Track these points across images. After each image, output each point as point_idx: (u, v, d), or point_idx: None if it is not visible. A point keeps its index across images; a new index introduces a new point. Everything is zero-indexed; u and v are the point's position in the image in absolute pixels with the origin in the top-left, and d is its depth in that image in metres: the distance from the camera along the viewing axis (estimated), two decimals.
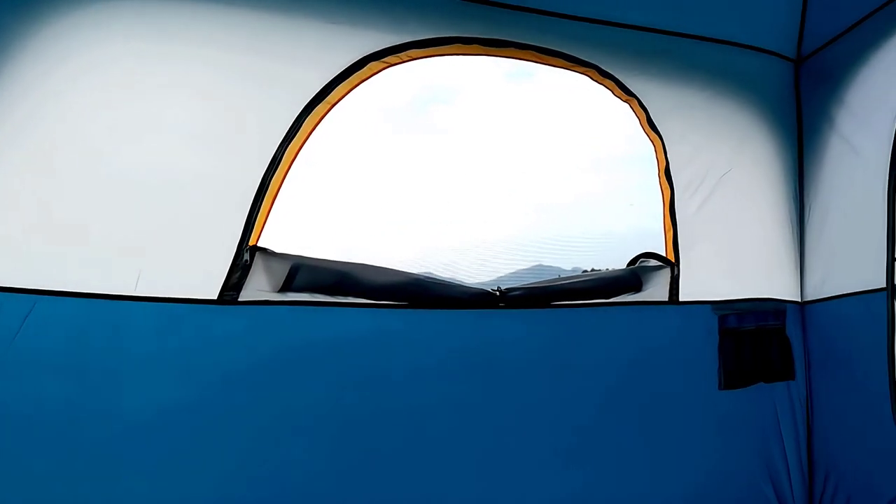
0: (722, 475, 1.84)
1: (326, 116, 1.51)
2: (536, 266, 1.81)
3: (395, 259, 1.58)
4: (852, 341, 1.87)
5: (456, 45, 1.62)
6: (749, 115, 1.97)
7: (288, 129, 1.45)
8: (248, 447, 1.40)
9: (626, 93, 1.78)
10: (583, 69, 1.75)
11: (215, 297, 1.36)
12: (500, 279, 1.74)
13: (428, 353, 1.57)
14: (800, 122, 2.08)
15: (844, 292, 1.90)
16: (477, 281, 1.69)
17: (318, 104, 1.49)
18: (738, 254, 1.96)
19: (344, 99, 1.52)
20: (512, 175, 1.73)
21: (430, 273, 1.64)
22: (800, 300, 2.06)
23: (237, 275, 1.40)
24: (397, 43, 1.56)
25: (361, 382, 1.50)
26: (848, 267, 1.88)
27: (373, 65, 1.55)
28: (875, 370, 1.74)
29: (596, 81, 1.77)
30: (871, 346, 1.76)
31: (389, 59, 1.57)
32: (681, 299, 1.84)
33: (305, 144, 1.48)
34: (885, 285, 1.71)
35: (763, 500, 1.87)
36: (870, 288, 1.77)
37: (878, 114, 1.76)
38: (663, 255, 1.84)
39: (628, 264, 1.85)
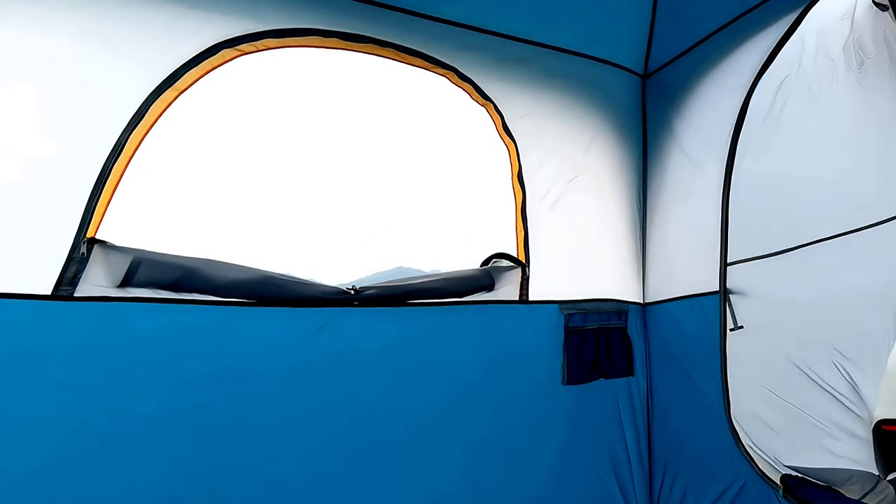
0: (567, 467, 2.44)
1: (175, 103, 1.78)
2: (397, 268, 2.22)
3: (247, 256, 1.85)
4: (688, 340, 2.57)
5: (314, 38, 1.98)
6: (599, 124, 2.63)
7: (133, 114, 1.70)
8: (79, 452, 1.61)
9: (483, 97, 2.30)
10: (442, 71, 2.23)
11: (49, 293, 1.57)
12: (359, 280, 2.11)
13: (278, 352, 1.90)
14: (645, 134, 2.79)
15: (682, 294, 2.60)
16: (336, 282, 2.04)
17: (166, 90, 1.76)
18: (585, 256, 2.59)
19: (195, 86, 1.80)
20: (373, 176, 2.15)
21: (285, 272, 1.95)
22: (642, 301, 2.77)
23: (73, 268, 1.62)
24: (252, 31, 1.89)
25: (206, 383, 1.78)
26: (685, 271, 2.58)
27: (226, 52, 1.86)
28: (709, 367, 2.43)
29: (454, 84, 2.26)
30: (705, 345, 2.45)
31: (244, 47, 1.88)
32: (530, 299, 2.40)
33: (152, 131, 1.73)
34: (718, 288, 2.42)
35: (605, 491, 2.51)
36: (705, 291, 2.48)
37: (713, 128, 2.45)
38: (515, 255, 2.38)
39: (481, 264, 2.35)
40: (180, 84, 1.78)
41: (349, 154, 2.03)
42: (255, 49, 1.90)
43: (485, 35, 2.31)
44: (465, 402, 2.23)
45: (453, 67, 2.24)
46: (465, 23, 2.25)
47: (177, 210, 1.80)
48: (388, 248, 2.14)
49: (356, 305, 2.03)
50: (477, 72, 2.29)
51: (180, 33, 1.78)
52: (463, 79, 2.27)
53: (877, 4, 2.39)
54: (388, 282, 2.14)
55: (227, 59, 1.86)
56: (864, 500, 2.23)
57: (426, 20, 2.18)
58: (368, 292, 2.06)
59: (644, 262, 2.81)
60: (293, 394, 1.92)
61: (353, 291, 2.03)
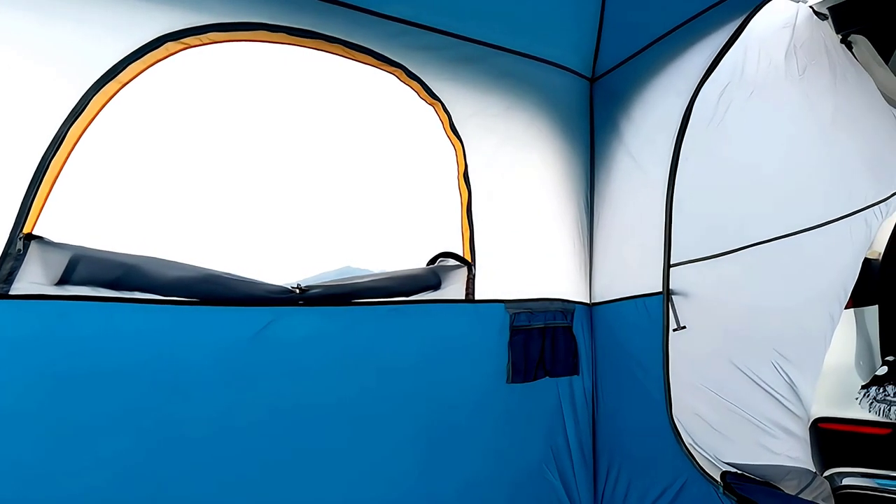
0: (511, 465, 2.64)
1: (118, 96, 1.88)
2: (344, 268, 2.34)
3: (190, 254, 1.96)
4: (633, 340, 2.81)
5: (261, 32, 2.12)
6: (547, 126, 2.84)
7: (73, 106, 1.80)
8: (14, 458, 1.69)
9: (431, 96, 2.48)
10: (390, 68, 2.39)
11: None
12: (305, 280, 2.22)
13: (221, 351, 2.02)
14: (593, 136, 3.03)
15: (627, 295, 2.84)
16: (281, 281, 2.15)
17: (108, 82, 1.87)
18: (531, 256, 2.79)
19: (138, 79, 1.92)
20: (319, 174, 2.29)
21: (229, 270, 2.06)
22: (589, 301, 3.01)
23: (9, 265, 1.70)
24: (198, 24, 2.00)
25: (148, 384, 1.88)
26: (631, 271, 2.83)
27: (170, 45, 1.97)
28: (652, 367, 2.67)
29: (402, 82, 2.43)
30: (648, 345, 2.69)
31: (189, 40, 2.01)
32: (476, 298, 2.59)
33: (93, 124, 1.83)
34: (661, 289, 2.66)
35: (549, 488, 2.74)
36: (649, 291, 2.71)
37: (658, 132, 2.68)
38: (461, 255, 2.56)
39: (428, 263, 2.52)
40: (123, 77, 1.88)
41: (295, 151, 2.14)
42: (201, 42, 2.01)
43: (434, 34, 2.47)
44: (412, 402, 2.40)
45: (402, 65, 2.39)
46: (413, 21, 2.41)
47: (118, 206, 1.88)
48: (335, 247, 2.26)
49: (301, 305, 2.16)
50: (425, 70, 2.45)
51: (124, 25, 1.88)
52: (411, 77, 2.42)
53: (817, 13, 2.69)
54: (333, 281, 2.28)
55: (171, 52, 1.96)
56: (801, 496, 2.50)
57: (375, 17, 2.33)
58: (314, 292, 2.18)
59: (591, 263, 3.05)
60: (237, 394, 2.04)
61: (297, 291, 2.15)
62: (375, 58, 2.34)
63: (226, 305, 2.03)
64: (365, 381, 2.31)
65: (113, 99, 1.88)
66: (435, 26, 2.47)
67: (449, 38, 2.52)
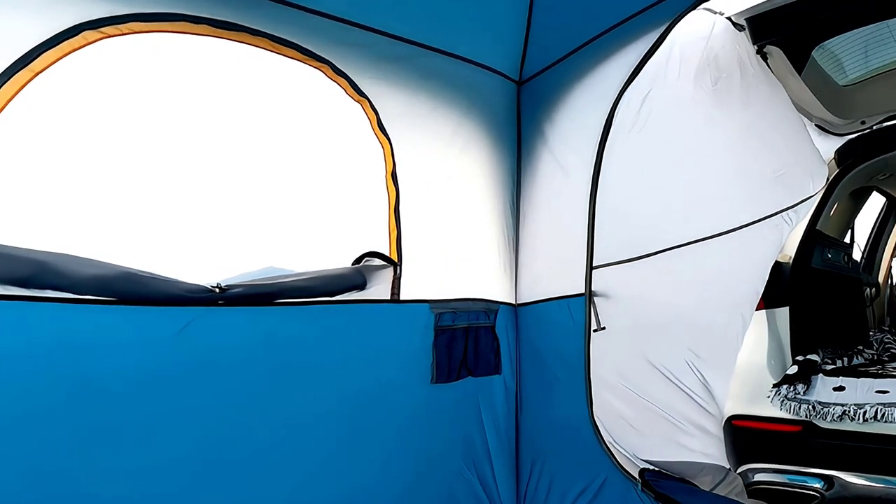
0: (435, 464, 2.81)
1: (30, 85, 1.91)
2: (268, 268, 2.44)
3: (106, 251, 2.00)
4: (556, 341, 3.04)
5: (184, 24, 2.18)
6: (474, 127, 3.02)
7: None
8: None
9: (358, 93, 2.61)
10: (317, 64, 2.50)
11: None
12: (227, 279, 2.28)
13: (138, 353, 2.08)
14: (519, 139, 3.24)
15: (551, 296, 3.06)
16: (203, 281, 2.22)
17: (19, 70, 1.89)
18: (457, 256, 2.97)
19: (53, 68, 1.95)
20: (242, 171, 2.40)
21: (147, 269, 2.11)
22: (514, 302, 3.22)
23: None
24: (117, 13, 2.06)
25: (59, 386, 1.93)
26: (555, 273, 3.05)
27: (88, 34, 2.01)
28: (574, 367, 2.90)
29: (329, 78, 2.54)
30: (571, 346, 2.92)
31: (107, 29, 2.06)
32: (402, 298, 2.74)
33: (2, 114, 1.86)
34: (584, 291, 2.89)
35: (467, 485, 2.93)
36: (572, 293, 2.94)
37: (582, 137, 2.91)
38: (387, 255, 2.70)
39: (353, 263, 2.64)
40: (36, 65, 1.91)
41: (218, 147, 2.22)
42: (120, 32, 2.06)
43: (362, 30, 2.60)
44: (335, 403, 2.54)
45: (329, 61, 2.50)
46: (341, 17, 2.52)
47: (30, 200, 1.91)
48: (258, 247, 2.34)
49: (221, 305, 2.24)
50: (353, 67, 2.57)
51: (38, 11, 1.91)
52: (338, 73, 2.54)
53: (735, 24, 3.00)
54: (255, 280, 2.37)
55: (89, 41, 2.00)
56: (715, 491, 2.80)
57: (302, 11, 2.42)
58: (235, 291, 2.26)
59: (517, 264, 3.27)
60: (154, 398, 2.11)
61: (218, 290, 2.22)
62: (302, 53, 2.43)
63: (144, 305, 2.09)
64: (288, 383, 2.42)
65: (25, 89, 1.91)
66: (363, 23, 2.59)
67: (377, 35, 2.65)
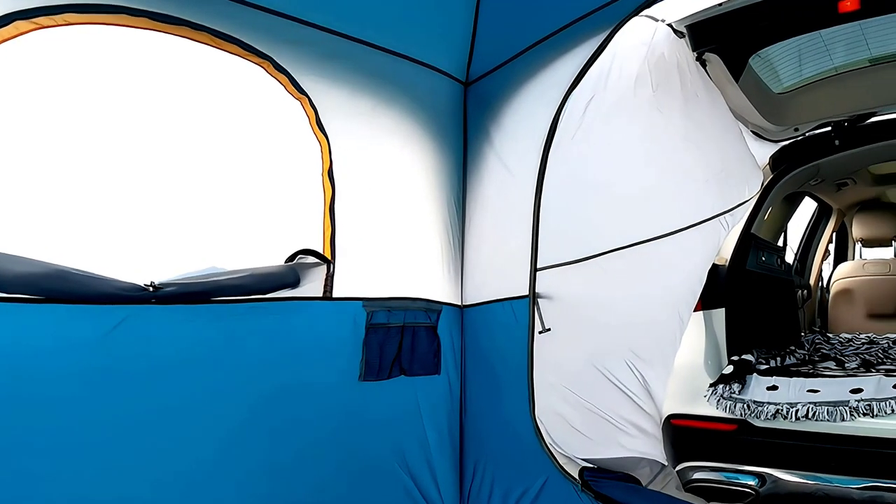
0: (365, 464, 2.88)
1: None
2: (209, 268, 2.45)
3: (34, 248, 2.01)
4: (500, 342, 3.14)
5: (122, 16, 2.20)
6: (417, 127, 3.10)
7: None
8: None
9: (298, 90, 2.66)
10: (258, 60, 2.55)
11: None
12: (162, 278, 2.32)
13: (67, 353, 2.09)
14: (465, 140, 3.34)
15: (496, 298, 3.16)
16: (138, 280, 2.24)
17: None
18: (396, 256, 3.05)
19: None
20: (179, 168, 2.41)
21: (78, 268, 2.12)
22: (460, 303, 3.31)
23: None
24: (52, 3, 2.06)
25: None
26: (500, 275, 3.15)
27: (20, 24, 2.01)
28: (517, 368, 2.99)
29: (270, 74, 2.59)
30: (515, 347, 3.01)
31: (41, 20, 2.06)
32: (335, 296, 2.81)
33: None
34: (528, 293, 3.00)
35: (400, 485, 3.00)
36: (517, 294, 3.04)
37: (527, 140, 3.02)
38: (321, 252, 2.76)
39: (286, 260, 2.70)
40: None
41: (154, 143, 2.23)
42: (55, 23, 2.06)
43: (303, 26, 2.65)
44: (267, 401, 2.59)
45: (270, 57, 2.55)
46: (284, 13, 2.57)
47: None
48: (195, 245, 2.36)
49: (154, 303, 2.27)
50: (293, 63, 2.62)
51: None
52: (279, 70, 2.58)
53: (675, 31, 3.16)
54: (189, 278, 2.40)
55: (21, 31, 2.00)
56: (652, 484, 2.93)
57: (243, 6, 2.47)
58: (168, 289, 2.30)
59: (462, 265, 3.35)
60: (85, 397, 2.13)
61: (151, 288, 2.25)
62: (243, 48, 2.48)
63: (74, 303, 2.11)
64: (220, 381, 2.46)
65: None
66: (306, 19, 2.64)
67: (320, 31, 2.70)
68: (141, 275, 2.25)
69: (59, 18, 2.09)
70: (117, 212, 2.27)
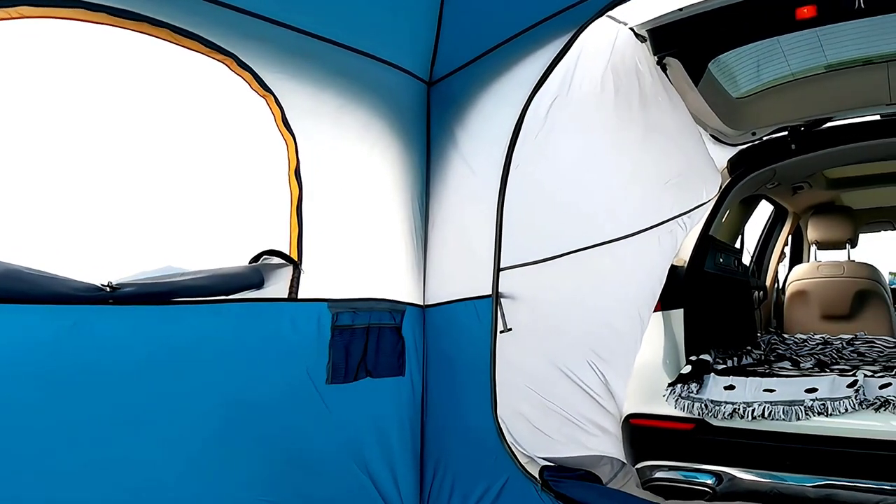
0: (328, 466, 2.89)
1: None
2: (165, 267, 2.42)
3: None
4: (463, 342, 3.17)
5: (80, 10, 2.17)
6: (382, 126, 3.12)
7: None
8: None
9: (263, 88, 2.65)
10: (221, 57, 2.53)
11: None
12: (120, 278, 2.28)
13: (21, 354, 2.06)
14: (429, 140, 3.36)
15: (459, 297, 3.19)
16: (95, 280, 2.20)
17: None
18: (362, 256, 3.06)
19: None
20: (139, 167, 2.39)
21: (32, 267, 2.08)
22: (422, 303, 3.33)
23: None
24: None
25: None
26: (463, 275, 3.19)
27: None
28: (480, 368, 3.03)
29: (233, 72, 2.57)
30: (478, 347, 3.05)
31: None
32: (300, 297, 2.81)
33: None
34: (491, 292, 3.04)
35: (363, 489, 3.01)
36: (480, 294, 3.08)
37: (491, 140, 3.06)
38: (287, 253, 2.76)
39: (251, 261, 2.69)
40: None
41: (115, 141, 2.20)
42: (9, 16, 2.03)
43: (269, 24, 2.63)
44: (230, 404, 2.57)
45: (233, 54, 2.52)
46: (248, 9, 2.55)
47: None
48: (156, 245, 2.33)
49: (112, 304, 2.24)
50: (258, 61, 2.60)
51: None
52: (243, 67, 2.57)
53: (637, 35, 3.23)
54: (148, 278, 2.37)
55: None
56: (612, 482, 2.99)
57: (207, 3, 2.45)
58: (126, 290, 2.26)
59: (425, 265, 3.37)
60: (35, 404, 2.08)
61: (108, 289, 2.22)
62: (205, 45, 2.45)
63: (26, 304, 2.07)
64: (181, 383, 2.44)
65: None
66: (270, 16, 2.63)
67: (284, 29, 2.69)
68: (98, 274, 2.21)
69: (13, 11, 2.05)
70: (73, 209, 2.24)
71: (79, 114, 2.20)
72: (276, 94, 2.70)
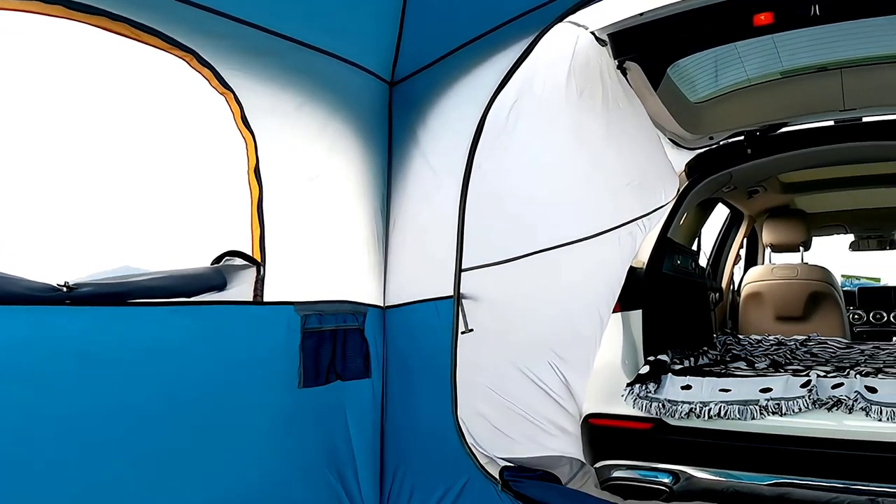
0: (296, 471, 2.90)
1: None
2: (122, 267, 2.40)
3: None
4: (424, 343, 3.21)
5: (36, 3, 2.14)
6: (344, 126, 3.14)
7: None
8: None
9: (223, 85, 2.65)
10: (181, 53, 2.51)
11: None
12: (76, 279, 2.25)
13: None
14: (391, 140, 3.39)
15: (420, 298, 3.22)
16: (50, 280, 2.17)
17: None
18: (325, 256, 3.07)
19: None
20: (95, 164, 2.37)
21: None
22: (383, 304, 3.35)
23: None
24: None
25: None
26: (424, 275, 3.22)
27: None
28: (441, 369, 3.06)
29: (193, 68, 2.56)
30: (438, 348, 3.08)
31: None
32: (265, 300, 2.80)
33: None
34: (452, 293, 3.07)
35: (331, 493, 3.02)
36: (441, 295, 3.11)
37: (453, 141, 3.10)
38: (250, 254, 2.76)
39: (212, 262, 2.68)
40: None
41: (70, 139, 2.19)
42: None
43: (228, 20, 2.63)
44: (192, 410, 2.55)
45: (193, 50, 2.52)
46: (208, 6, 2.54)
47: None
48: (114, 244, 2.31)
49: (69, 304, 2.20)
50: (218, 58, 2.60)
51: None
52: (203, 63, 2.56)
53: (598, 39, 3.31)
54: (107, 279, 2.34)
55: None
56: (572, 482, 3.06)
57: None
58: (83, 290, 2.23)
59: (386, 266, 3.40)
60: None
61: (65, 289, 2.18)
62: (165, 41, 2.44)
63: None
64: (141, 388, 2.41)
65: None
66: (231, 13, 2.63)
67: (245, 26, 2.69)
68: (54, 274, 2.18)
69: None
70: (28, 206, 2.22)
71: (32, 110, 2.17)
72: (235, 91, 2.70)
